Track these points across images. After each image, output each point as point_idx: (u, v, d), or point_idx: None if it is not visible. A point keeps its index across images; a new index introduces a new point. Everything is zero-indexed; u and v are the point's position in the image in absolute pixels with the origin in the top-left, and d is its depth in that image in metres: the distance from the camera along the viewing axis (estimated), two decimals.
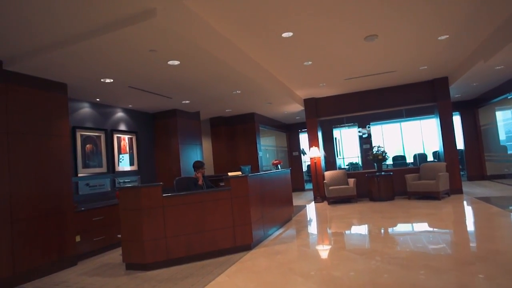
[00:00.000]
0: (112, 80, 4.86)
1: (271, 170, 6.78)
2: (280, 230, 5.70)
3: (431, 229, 4.96)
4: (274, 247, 4.63)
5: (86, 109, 5.86)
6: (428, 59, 6.42)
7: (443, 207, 6.63)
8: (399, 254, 3.78)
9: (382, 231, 5.09)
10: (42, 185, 4.30)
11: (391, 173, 8.30)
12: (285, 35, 4.54)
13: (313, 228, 5.89)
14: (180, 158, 7.32)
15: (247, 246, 4.54)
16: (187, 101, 6.79)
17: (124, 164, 6.57)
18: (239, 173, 4.81)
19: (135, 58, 4.08)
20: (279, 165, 6.76)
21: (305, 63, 5.93)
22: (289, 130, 12.96)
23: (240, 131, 9.71)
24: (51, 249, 4.31)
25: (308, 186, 12.86)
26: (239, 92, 6.43)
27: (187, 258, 4.18)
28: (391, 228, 5.24)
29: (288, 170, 7.01)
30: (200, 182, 5.16)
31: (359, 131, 10.37)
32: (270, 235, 5.38)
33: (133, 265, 4.09)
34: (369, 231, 5.15)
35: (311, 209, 8.01)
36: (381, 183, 8.10)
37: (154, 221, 4.06)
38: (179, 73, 4.86)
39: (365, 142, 11.96)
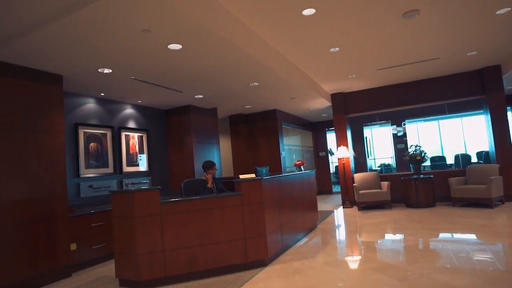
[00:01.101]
0: (110, 71, 4.35)
1: (294, 171, 6.04)
2: (303, 241, 4.95)
3: (484, 245, 4.02)
4: (293, 263, 3.90)
5: (90, 105, 5.42)
6: (480, 41, 5.41)
7: (497, 217, 5.58)
8: (449, 280, 2.93)
9: (424, 245, 4.21)
10: (30, 187, 3.84)
11: (432, 176, 7.28)
12: (306, 12, 3.81)
13: (340, 240, 5.08)
14: (194, 158, 6.76)
15: (261, 262, 3.85)
16: (200, 96, 6.21)
17: (134, 164, 6.10)
18: (252, 175, 4.13)
19: (129, 41, 3.51)
20: (302, 166, 6.02)
21: (332, 50, 5.15)
22: (315, 128, 12.12)
23: (261, 129, 9.03)
24: (40, 259, 3.84)
25: (336, 189, 11.94)
26: (256, 84, 5.75)
27: (188, 276, 3.56)
28: (435, 243, 4.35)
29: (313, 172, 6.24)
30: (209, 185, 4.53)
31: (394, 129, 9.36)
32: (291, 246, 4.65)
33: (127, 282, 3.52)
34: (408, 246, 4.28)
35: (339, 215, 7.17)
36: (420, 187, 7.11)
37: (150, 232, 3.47)
38: (183, 61, 4.26)
39: (400, 141, 10.88)
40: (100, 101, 5.59)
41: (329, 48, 5.08)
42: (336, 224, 6.30)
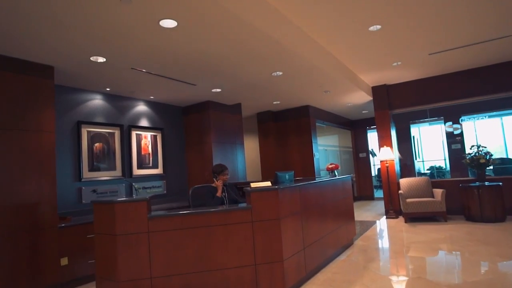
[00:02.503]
0: (105, 60, 3.76)
1: (326, 177, 5.11)
2: (334, 264, 4.02)
3: None
4: None
5: (96, 101, 4.92)
6: None
7: None
8: None
9: (499, 280, 3.09)
10: (12, 194, 3.34)
11: (500, 183, 5.93)
12: None
13: (383, 265, 4.07)
14: (213, 160, 6.06)
15: None
16: (217, 90, 5.48)
17: (146, 166, 5.54)
18: (267, 183, 3.29)
19: (107, 15, 2.86)
20: (335, 171, 5.06)
21: (371, 28, 4.16)
22: (354, 127, 10.95)
23: (292, 127, 8.14)
24: (22, 277, 3.33)
25: (378, 194, 10.68)
26: (280, 74, 4.90)
27: None
28: None
29: (349, 177, 5.25)
30: (219, 193, 3.77)
31: (449, 127, 7.99)
32: (319, 272, 3.75)
33: None
34: (475, 282, 3.19)
35: (381, 228, 6.08)
36: (485, 197, 5.80)
37: (134, 254, 2.78)
38: (182, 43, 3.53)
39: (455, 141, 9.39)
40: (107, 96, 5.07)
41: (368, 26, 4.10)
42: (378, 240, 5.25)
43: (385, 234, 5.66)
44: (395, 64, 5.81)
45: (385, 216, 7.09)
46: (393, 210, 6.96)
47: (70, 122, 4.54)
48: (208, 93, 5.62)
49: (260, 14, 3.28)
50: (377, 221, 6.68)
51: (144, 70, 4.23)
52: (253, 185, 3.18)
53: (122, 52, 3.60)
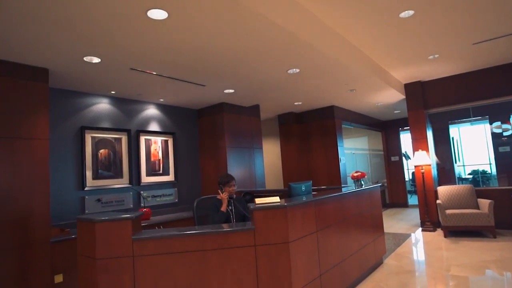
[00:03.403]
0: (100, 60, 3.44)
1: (353, 184, 4.52)
2: None
3: None
4: None
5: (101, 105, 4.66)
6: None
7: None
8: None
9: None
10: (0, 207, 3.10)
11: None
12: None
13: None
14: (228, 166, 5.63)
15: None
16: (230, 90, 5.06)
17: (156, 173, 5.22)
18: (276, 199, 2.79)
19: (93, 9, 2.50)
20: (361, 180, 4.45)
21: (403, 14, 3.55)
22: (385, 128, 10.13)
23: (315, 129, 7.55)
24: None
25: (413, 200, 9.79)
26: (297, 71, 4.38)
27: None
28: None
29: (377, 187, 4.62)
30: (224, 207, 3.32)
31: (497, 127, 7.04)
32: None
33: None
34: None
35: (416, 243, 5.36)
36: None
37: (116, 282, 2.39)
38: (178, 38, 3.12)
39: (502, 143, 8.34)
40: (112, 100, 4.80)
41: (398, 12, 3.50)
42: (412, 259, 4.57)
43: (421, 251, 4.95)
44: (431, 57, 5.09)
45: (420, 228, 6.32)
46: (430, 221, 6.18)
47: (73, 127, 4.30)
48: (221, 94, 5.21)
49: (269, 0, 2.81)
50: (412, 234, 5.94)
51: (145, 71, 3.88)
52: (258, 200, 2.69)
53: (116, 51, 3.25)
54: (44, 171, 3.41)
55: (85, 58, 3.36)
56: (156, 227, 4.38)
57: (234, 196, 3.53)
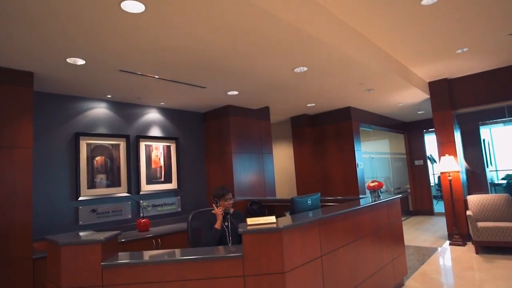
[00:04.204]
0: (84, 62, 3.16)
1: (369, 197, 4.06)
2: None
3: None
4: None
5: (97, 110, 4.42)
6: None
7: None
8: None
9: None
10: None
11: None
12: None
13: None
14: (234, 173, 5.27)
15: None
16: (234, 92, 4.69)
17: (157, 181, 4.93)
18: (271, 219, 2.38)
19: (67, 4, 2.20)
20: (378, 191, 3.96)
21: (425, 2, 3.07)
22: (408, 130, 9.46)
23: (330, 133, 7.07)
24: None
25: (439, 207, 9.07)
26: (304, 69, 3.95)
27: None
28: None
29: (397, 198, 4.12)
30: (217, 224, 2.95)
31: None
32: None
33: None
34: None
35: (443, 260, 4.79)
36: None
37: None
38: (157, 31, 2.78)
39: None
40: (109, 104, 4.55)
41: None
42: (439, 280, 4.02)
43: (449, 271, 4.38)
44: (459, 51, 4.52)
45: (448, 242, 5.71)
46: (459, 234, 5.57)
47: (66, 134, 4.07)
48: (224, 96, 4.86)
49: None
50: (438, 249, 5.36)
51: (135, 72, 3.58)
52: (250, 221, 2.30)
53: (99, 51, 2.96)
54: (27, 182, 3.17)
55: (68, 60, 3.08)
56: (154, 240, 4.09)
57: (231, 210, 3.16)
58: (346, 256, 2.81)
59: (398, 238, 3.93)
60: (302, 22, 2.81)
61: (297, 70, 3.93)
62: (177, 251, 2.32)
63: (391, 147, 9.15)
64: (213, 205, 3.08)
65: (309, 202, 3.15)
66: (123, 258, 2.21)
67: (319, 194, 3.37)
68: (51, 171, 3.89)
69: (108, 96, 4.34)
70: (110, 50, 2.98)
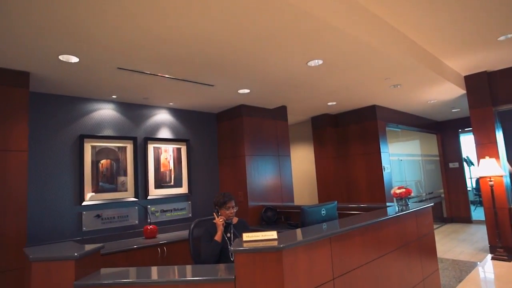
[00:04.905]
0: (78, 59, 2.96)
1: (396, 205, 3.59)
2: None
3: None
4: None
5: (102, 111, 4.25)
6: None
7: None
8: None
9: None
10: None
11: None
12: None
13: None
14: (247, 177, 4.94)
15: None
16: (245, 90, 4.37)
17: (166, 185, 4.70)
18: (272, 234, 2.02)
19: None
20: (406, 199, 3.48)
21: None
22: (441, 130, 8.73)
23: (354, 133, 6.57)
24: None
25: (478, 214, 8.26)
26: (319, 63, 3.55)
27: None
28: None
29: (428, 207, 3.61)
30: (218, 236, 2.63)
31: None
32: None
33: None
34: None
35: (485, 278, 4.19)
36: None
37: None
38: (154, 18, 2.51)
39: None
40: (116, 105, 4.37)
41: None
42: None
43: None
44: (502, 38, 3.94)
45: (490, 256, 5.05)
46: (503, 248, 4.90)
47: (70, 136, 3.93)
48: (236, 95, 4.55)
49: None
50: (478, 264, 4.73)
51: (135, 70, 3.34)
52: (246, 236, 1.96)
53: (90, 47, 2.73)
54: (21, 187, 3.01)
55: (60, 57, 2.89)
56: (158, 249, 3.84)
57: (234, 220, 2.83)
58: (364, 278, 2.39)
59: (430, 253, 3.42)
60: (311, 4, 2.43)
61: (311, 63, 3.54)
62: (161, 270, 2.01)
63: (422, 148, 8.45)
64: (214, 214, 2.76)
65: (323, 212, 2.76)
66: (103, 276, 1.94)
67: (336, 202, 2.97)
68: (53, 175, 3.75)
69: (114, 96, 4.16)
70: (103, 46, 2.75)
